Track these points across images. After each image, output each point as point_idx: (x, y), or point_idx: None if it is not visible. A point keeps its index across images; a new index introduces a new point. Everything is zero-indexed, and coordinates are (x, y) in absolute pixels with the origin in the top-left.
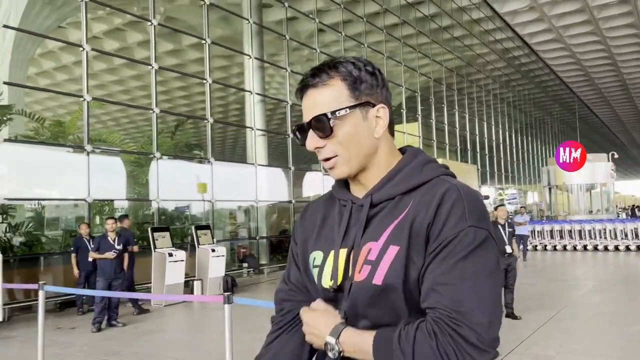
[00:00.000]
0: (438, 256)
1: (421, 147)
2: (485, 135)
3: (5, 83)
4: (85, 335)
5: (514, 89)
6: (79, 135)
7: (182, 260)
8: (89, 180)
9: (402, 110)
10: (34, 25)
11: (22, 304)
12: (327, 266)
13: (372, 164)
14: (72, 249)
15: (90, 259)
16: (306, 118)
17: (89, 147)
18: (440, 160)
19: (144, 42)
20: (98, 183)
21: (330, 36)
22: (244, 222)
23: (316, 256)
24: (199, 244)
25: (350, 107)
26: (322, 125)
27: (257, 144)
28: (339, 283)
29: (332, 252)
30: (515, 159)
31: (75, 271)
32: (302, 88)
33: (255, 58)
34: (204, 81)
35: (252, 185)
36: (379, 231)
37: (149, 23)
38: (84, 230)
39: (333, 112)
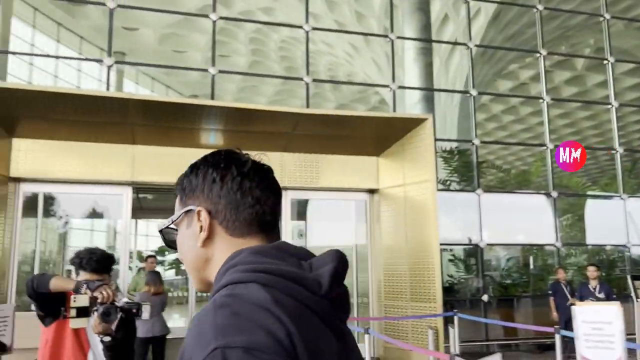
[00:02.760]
0: None
1: None
2: None
3: (482, 143)
4: None
5: None
6: (542, 182)
7: None
8: (556, 226)
9: None
10: (476, 80)
11: (503, 342)
12: None
13: (212, 279)
14: (549, 292)
15: (568, 304)
16: None
17: (554, 193)
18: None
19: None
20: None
21: None
22: None
23: None
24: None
25: (175, 219)
26: (166, 238)
27: None
28: None
29: None
30: None
31: (554, 314)
32: None
33: None
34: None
35: None
36: None
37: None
38: (560, 275)
39: (166, 227)
